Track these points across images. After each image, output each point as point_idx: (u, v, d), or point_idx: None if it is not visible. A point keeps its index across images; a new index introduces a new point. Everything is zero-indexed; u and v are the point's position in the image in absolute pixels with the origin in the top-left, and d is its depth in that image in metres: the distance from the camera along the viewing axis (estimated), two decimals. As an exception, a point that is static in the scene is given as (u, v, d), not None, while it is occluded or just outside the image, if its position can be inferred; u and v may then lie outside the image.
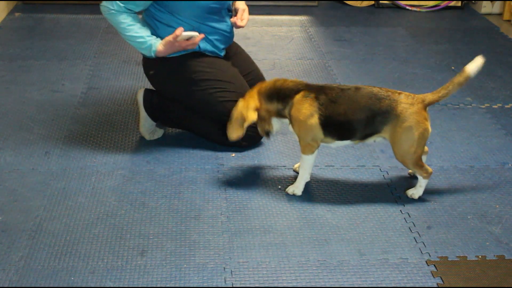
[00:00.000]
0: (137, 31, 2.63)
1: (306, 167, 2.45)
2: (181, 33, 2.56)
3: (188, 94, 2.73)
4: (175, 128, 2.94)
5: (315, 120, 2.34)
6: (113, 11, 2.60)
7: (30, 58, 3.70)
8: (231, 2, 2.80)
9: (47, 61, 3.66)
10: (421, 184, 2.45)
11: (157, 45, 2.63)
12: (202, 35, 2.64)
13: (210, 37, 2.73)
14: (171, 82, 2.75)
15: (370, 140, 2.42)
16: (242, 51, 3.01)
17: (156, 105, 2.80)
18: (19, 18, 4.37)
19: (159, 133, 2.88)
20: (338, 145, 2.47)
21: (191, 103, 2.76)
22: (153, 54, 2.65)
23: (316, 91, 2.36)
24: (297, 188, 2.48)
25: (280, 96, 2.39)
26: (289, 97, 2.38)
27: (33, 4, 4.62)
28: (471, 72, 2.29)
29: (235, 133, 2.44)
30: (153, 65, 2.76)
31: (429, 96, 2.34)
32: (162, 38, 2.65)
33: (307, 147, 2.41)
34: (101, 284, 1.99)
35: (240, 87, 2.72)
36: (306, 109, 2.34)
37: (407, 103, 2.31)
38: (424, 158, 2.52)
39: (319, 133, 2.37)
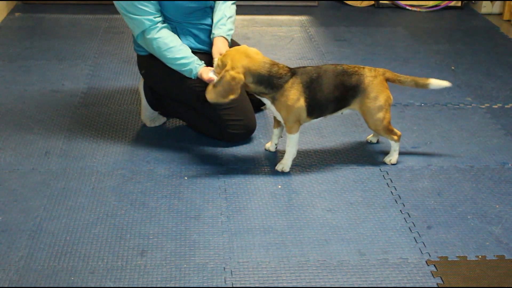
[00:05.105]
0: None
1: (294, 144, 2.57)
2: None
3: (177, 91, 2.80)
4: (175, 118, 3.01)
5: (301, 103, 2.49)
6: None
7: (30, 58, 3.70)
8: (212, 2, 2.78)
9: (47, 61, 3.66)
10: (395, 148, 2.67)
11: (199, 70, 2.60)
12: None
13: (195, 32, 2.75)
14: (161, 80, 2.81)
15: (339, 113, 2.62)
16: None
17: (155, 96, 2.89)
18: (19, 18, 4.37)
19: (161, 120, 2.97)
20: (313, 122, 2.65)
21: (181, 99, 2.84)
22: (193, 77, 2.64)
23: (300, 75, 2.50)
24: (285, 165, 2.61)
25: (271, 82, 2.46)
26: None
27: (33, 4, 4.62)
28: (431, 86, 2.58)
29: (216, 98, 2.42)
30: (144, 64, 2.84)
31: (388, 73, 2.58)
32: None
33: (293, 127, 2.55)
34: (101, 284, 1.99)
35: None
36: (294, 94, 2.47)
37: (371, 75, 2.53)
38: (375, 139, 2.84)
39: (304, 113, 2.52)
